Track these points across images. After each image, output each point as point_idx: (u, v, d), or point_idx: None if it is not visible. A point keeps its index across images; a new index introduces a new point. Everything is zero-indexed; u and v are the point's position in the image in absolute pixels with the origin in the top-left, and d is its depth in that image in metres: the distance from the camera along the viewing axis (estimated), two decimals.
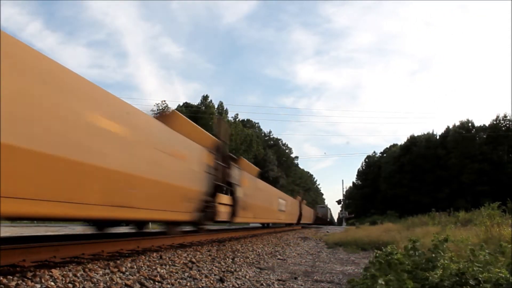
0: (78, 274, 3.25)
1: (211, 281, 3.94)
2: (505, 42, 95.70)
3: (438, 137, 55.94)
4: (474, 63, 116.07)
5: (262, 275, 4.74)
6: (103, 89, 4.40)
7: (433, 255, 3.21)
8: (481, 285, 2.44)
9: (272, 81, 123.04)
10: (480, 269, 2.72)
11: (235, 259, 5.76)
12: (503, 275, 2.50)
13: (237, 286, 3.95)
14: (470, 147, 48.45)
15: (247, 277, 4.50)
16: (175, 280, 3.74)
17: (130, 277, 3.53)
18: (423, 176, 51.20)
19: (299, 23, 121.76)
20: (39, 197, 3.24)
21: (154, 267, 4.13)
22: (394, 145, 65.49)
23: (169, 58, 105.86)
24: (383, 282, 2.52)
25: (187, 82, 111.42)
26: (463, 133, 50.27)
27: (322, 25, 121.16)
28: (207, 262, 5.02)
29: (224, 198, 8.83)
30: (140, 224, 6.90)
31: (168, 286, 3.51)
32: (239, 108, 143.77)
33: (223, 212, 8.61)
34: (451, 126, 54.03)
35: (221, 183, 8.47)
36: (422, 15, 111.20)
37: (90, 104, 4.04)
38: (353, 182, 76.45)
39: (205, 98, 51.71)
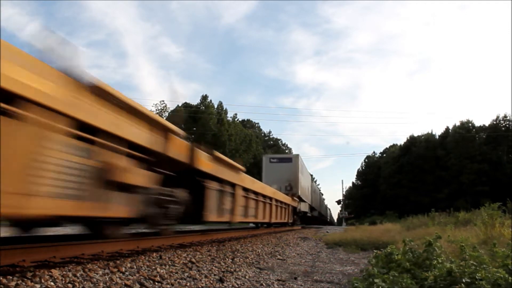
0: (78, 274, 3.25)
1: (211, 281, 3.95)
2: (505, 42, 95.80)
3: (437, 137, 56.02)
4: (474, 63, 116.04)
5: (262, 275, 4.75)
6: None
7: (426, 254, 3.22)
8: (479, 284, 2.44)
9: (272, 81, 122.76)
10: (477, 268, 2.73)
11: (235, 259, 5.76)
12: (502, 275, 2.50)
13: (236, 286, 3.96)
14: (470, 148, 48.49)
15: (247, 277, 4.51)
16: (175, 280, 3.74)
17: (130, 277, 3.53)
18: (423, 176, 51.24)
19: (299, 24, 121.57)
20: None
21: (153, 267, 4.14)
22: (394, 146, 65.56)
23: (169, 58, 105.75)
24: (381, 281, 2.52)
25: (186, 82, 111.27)
26: (462, 133, 50.31)
27: (321, 25, 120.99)
28: (206, 262, 5.02)
29: None
30: None
31: (168, 286, 3.51)
32: (238, 108, 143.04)
33: None
34: (450, 126, 54.17)
35: None
36: (421, 15, 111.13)
37: None
38: (353, 182, 76.60)
39: (204, 98, 51.70)
